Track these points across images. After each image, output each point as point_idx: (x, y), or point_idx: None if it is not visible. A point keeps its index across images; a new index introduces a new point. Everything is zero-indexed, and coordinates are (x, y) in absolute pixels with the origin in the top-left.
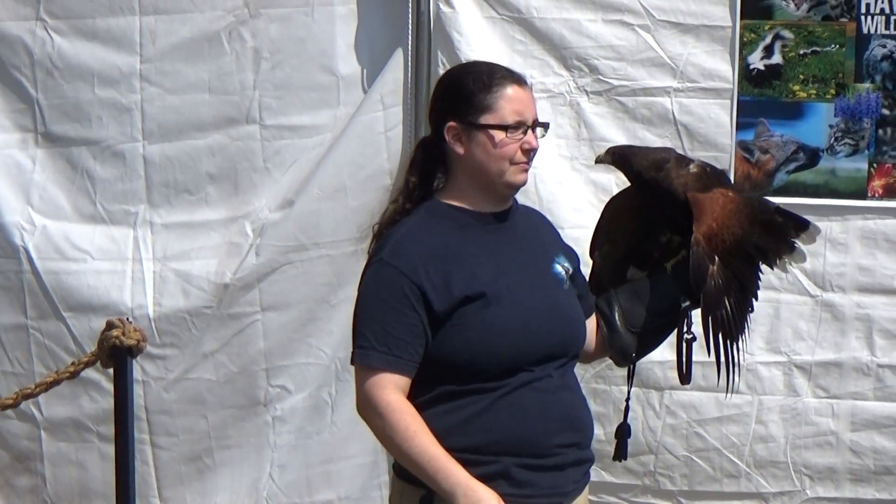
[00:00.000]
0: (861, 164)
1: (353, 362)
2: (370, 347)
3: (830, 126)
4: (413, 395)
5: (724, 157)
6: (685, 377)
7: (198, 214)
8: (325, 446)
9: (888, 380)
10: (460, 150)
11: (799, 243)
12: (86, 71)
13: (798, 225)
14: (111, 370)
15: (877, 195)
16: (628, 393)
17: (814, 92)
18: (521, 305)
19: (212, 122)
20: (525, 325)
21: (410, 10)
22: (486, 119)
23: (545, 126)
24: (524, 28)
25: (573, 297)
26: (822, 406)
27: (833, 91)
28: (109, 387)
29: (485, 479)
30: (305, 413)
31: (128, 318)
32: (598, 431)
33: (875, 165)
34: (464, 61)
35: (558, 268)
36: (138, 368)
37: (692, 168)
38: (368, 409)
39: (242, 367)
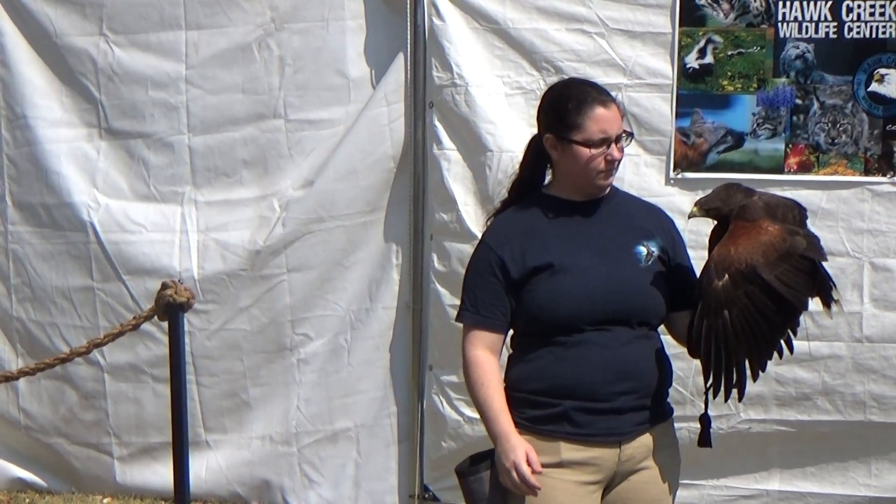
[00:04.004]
0: (779, 146)
1: (456, 320)
2: (465, 309)
3: (753, 114)
4: (514, 346)
5: (666, 141)
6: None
7: (234, 193)
8: (343, 383)
9: (804, 323)
10: (556, 156)
11: (835, 299)
12: (140, 76)
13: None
14: (165, 323)
15: (792, 170)
16: (706, 386)
17: (739, 86)
18: (586, 275)
19: (245, 117)
20: (586, 292)
21: (409, 23)
22: (576, 136)
23: (630, 135)
24: (501, 37)
25: (649, 275)
26: None
27: (755, 85)
28: (162, 337)
29: (550, 419)
30: (325, 356)
31: (178, 280)
32: None
33: (790, 146)
34: (452, 65)
35: (641, 248)
36: (186, 321)
37: (743, 199)
38: (462, 361)
39: (272, 318)
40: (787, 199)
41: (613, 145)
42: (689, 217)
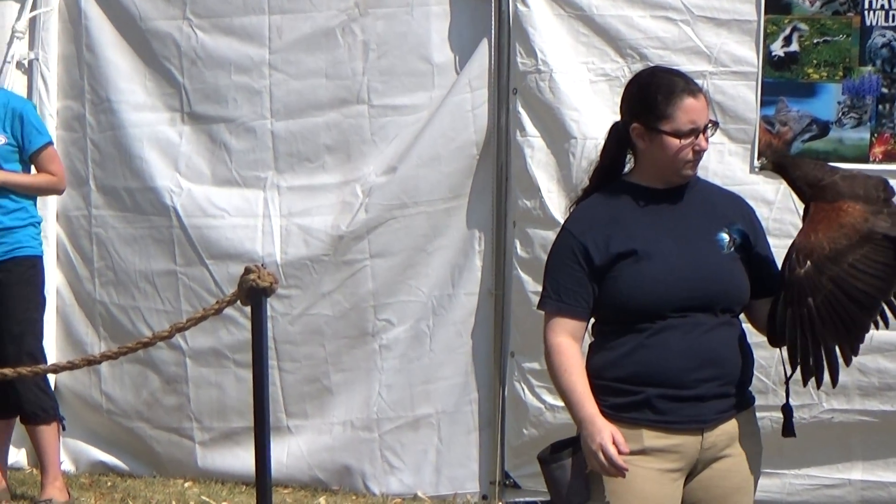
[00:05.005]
0: (864, 135)
1: (538, 308)
2: (547, 296)
3: (839, 103)
4: (595, 335)
5: (750, 129)
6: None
7: (317, 179)
8: (425, 369)
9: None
10: (642, 145)
11: None
12: (224, 61)
13: None
14: (247, 308)
15: (877, 160)
16: (787, 376)
17: (825, 74)
18: (670, 262)
19: (328, 102)
20: (670, 278)
21: (493, 9)
22: (665, 126)
23: (716, 124)
24: (586, 23)
25: (732, 262)
26: None
27: (841, 74)
28: (244, 322)
29: (632, 406)
30: (407, 342)
31: (261, 265)
32: None
33: (876, 135)
34: (537, 51)
35: (723, 236)
36: (268, 306)
37: (825, 179)
38: (545, 348)
39: (354, 304)
40: (873, 175)
41: (701, 135)
42: (760, 167)
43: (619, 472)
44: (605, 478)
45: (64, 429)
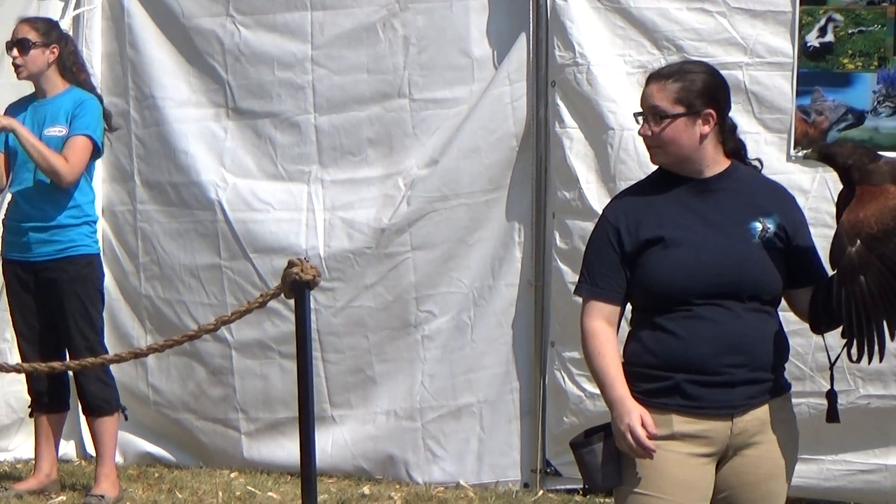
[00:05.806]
0: None
1: (574, 293)
2: (583, 281)
3: (874, 92)
4: (630, 322)
5: (786, 119)
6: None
7: (359, 172)
8: (466, 359)
9: None
10: None
11: None
12: (267, 57)
13: None
14: (291, 301)
15: None
16: (832, 362)
17: (860, 64)
18: (697, 249)
19: (370, 96)
20: (695, 265)
21: (531, 3)
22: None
23: (646, 113)
24: (623, 16)
25: (761, 250)
26: None
27: (876, 63)
28: (288, 314)
29: (662, 392)
30: (449, 332)
31: (304, 258)
32: None
33: None
34: (574, 44)
35: (756, 224)
36: (312, 299)
37: (870, 164)
38: (581, 332)
39: (396, 296)
40: None
41: (644, 121)
42: (805, 157)
43: (647, 453)
44: (636, 461)
45: (126, 419)
